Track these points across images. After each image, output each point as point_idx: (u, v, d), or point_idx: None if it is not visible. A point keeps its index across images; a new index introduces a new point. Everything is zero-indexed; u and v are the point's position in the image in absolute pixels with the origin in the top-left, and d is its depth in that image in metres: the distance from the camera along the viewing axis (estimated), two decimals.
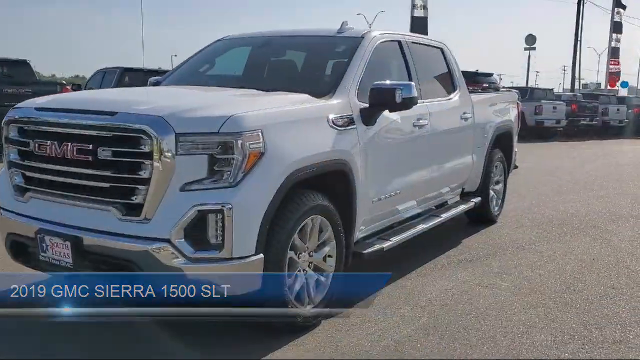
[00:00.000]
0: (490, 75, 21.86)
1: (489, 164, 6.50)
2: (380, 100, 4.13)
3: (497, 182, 7.01)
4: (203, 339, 3.57)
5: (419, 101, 4.91)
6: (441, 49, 5.86)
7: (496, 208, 6.95)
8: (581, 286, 4.71)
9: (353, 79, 4.23)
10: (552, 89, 26.81)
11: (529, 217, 7.26)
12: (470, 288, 4.62)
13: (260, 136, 3.27)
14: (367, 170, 4.18)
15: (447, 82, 5.83)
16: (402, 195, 4.76)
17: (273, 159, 3.32)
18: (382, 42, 4.76)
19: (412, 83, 4.19)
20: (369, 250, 4.32)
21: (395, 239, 4.63)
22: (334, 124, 3.84)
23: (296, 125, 3.58)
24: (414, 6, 26.29)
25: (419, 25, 26.02)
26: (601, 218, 7.36)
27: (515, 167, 7.69)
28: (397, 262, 5.11)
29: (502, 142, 6.98)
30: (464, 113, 5.77)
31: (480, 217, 6.78)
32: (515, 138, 7.38)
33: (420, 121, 4.88)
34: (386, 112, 4.35)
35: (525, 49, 43.29)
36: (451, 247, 5.75)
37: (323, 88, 4.17)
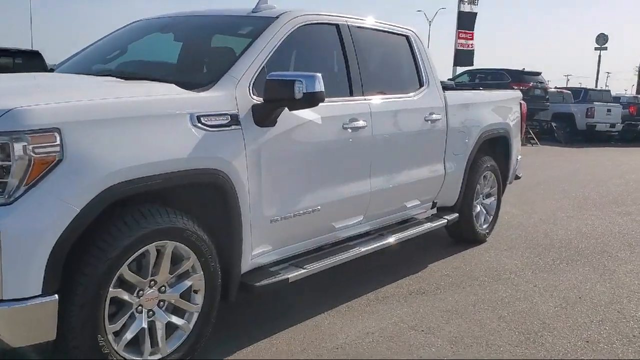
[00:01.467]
0: (538, 74, 20.62)
1: (472, 174, 5.50)
2: (276, 95, 3.27)
3: (488, 195, 5.99)
4: None
5: (360, 99, 4.10)
6: (407, 37, 4.91)
7: (485, 226, 5.93)
8: (547, 338, 3.71)
9: (248, 68, 3.38)
10: (608, 90, 25.02)
11: (528, 237, 6.19)
12: (401, 332, 3.69)
13: (57, 137, 2.46)
14: (262, 182, 3.34)
15: (411, 77, 4.88)
16: (328, 212, 3.88)
17: (78, 167, 2.50)
18: (307, 25, 3.88)
19: (318, 75, 3.29)
20: (266, 281, 3.46)
21: (311, 267, 3.76)
22: (201, 123, 3.00)
23: (128, 124, 2.74)
24: (461, 1, 24.88)
25: (467, 21, 24.62)
26: (617, 242, 6.21)
27: (517, 177, 6.62)
28: (328, 292, 4.25)
29: (494, 149, 5.97)
30: (431, 114, 4.80)
31: (462, 236, 5.80)
32: (516, 144, 6.32)
33: (355, 123, 3.97)
34: (297, 111, 3.50)
35: (596, 48, 41.15)
36: (409, 274, 4.81)
37: (202, 78, 3.37)
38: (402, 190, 4.63)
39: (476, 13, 25.22)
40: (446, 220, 5.19)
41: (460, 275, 4.85)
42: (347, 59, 4.13)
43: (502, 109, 6.01)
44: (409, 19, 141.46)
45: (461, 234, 5.78)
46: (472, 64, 24.40)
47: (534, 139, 18.72)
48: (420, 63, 4.92)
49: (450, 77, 22.77)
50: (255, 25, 3.73)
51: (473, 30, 24.96)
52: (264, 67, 3.47)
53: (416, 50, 4.93)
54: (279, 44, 3.62)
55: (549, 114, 20.78)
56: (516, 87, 20.29)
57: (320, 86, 3.29)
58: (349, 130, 3.94)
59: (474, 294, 4.42)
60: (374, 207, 4.36)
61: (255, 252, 3.45)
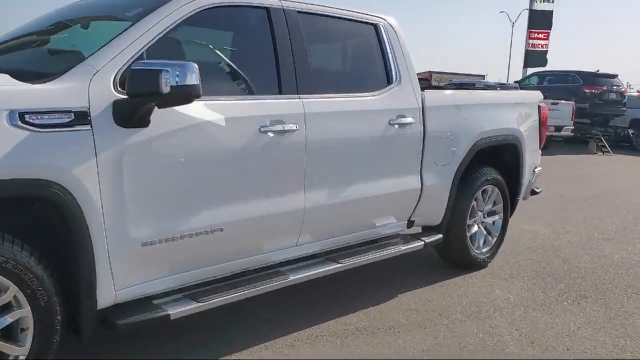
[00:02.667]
0: (614, 76, 18.91)
1: (464, 189, 4.66)
2: (140, 88, 2.63)
3: (491, 213, 5.11)
4: None
5: (292, 97, 3.42)
6: (375, 26, 4.15)
7: (485, 249, 5.05)
8: None
9: (114, 57, 2.76)
10: None
11: (541, 264, 5.24)
12: None
13: None
14: (126, 197, 2.71)
15: (376, 73, 4.12)
16: (238, 233, 3.21)
17: None
18: (217, 7, 3.22)
19: (191, 64, 2.63)
20: (134, 318, 2.82)
21: (210, 300, 3.10)
22: (25, 122, 2.40)
23: None
24: None
25: (540, 19, 23.09)
26: None
27: (535, 192, 5.67)
28: (246, 328, 3.58)
29: (499, 159, 5.09)
30: (399, 117, 4.02)
31: (454, 261, 4.95)
32: (532, 153, 5.39)
33: (279, 126, 3.28)
34: (188, 110, 2.87)
35: None
36: (368, 306, 4.05)
37: (54, 68, 2.76)
38: (358, 206, 3.87)
39: (552, 11, 23.62)
40: (423, 243, 4.38)
41: (430, 311, 4.03)
42: (277, 50, 3.44)
43: (511, 112, 5.11)
44: (492, 20, 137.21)
45: (452, 258, 4.93)
46: (544, 65, 22.90)
47: (605, 147, 17.15)
48: (390, 57, 4.14)
49: (519, 79, 21.36)
50: (145, 6, 3.10)
51: (549, 29, 23.42)
52: (142, 56, 2.85)
53: (386, 42, 4.15)
54: (168, 29, 2.99)
55: (627, 120, 19.07)
56: (587, 91, 18.87)
57: (194, 78, 2.63)
58: (269, 135, 3.25)
59: (433, 337, 3.61)
60: (315, 226, 3.65)
61: (126, 280, 2.83)
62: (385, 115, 3.94)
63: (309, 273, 3.60)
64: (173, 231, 2.92)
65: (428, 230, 4.67)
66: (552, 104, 16.07)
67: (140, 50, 2.85)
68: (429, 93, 4.35)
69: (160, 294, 3.05)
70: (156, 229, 2.85)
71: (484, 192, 4.93)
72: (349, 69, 4.18)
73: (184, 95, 2.64)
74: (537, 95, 5.58)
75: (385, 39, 4.15)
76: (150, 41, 2.90)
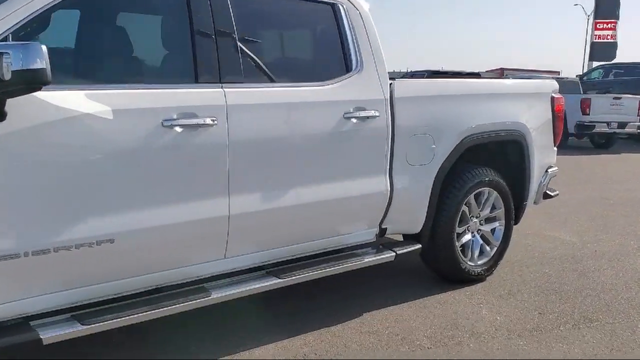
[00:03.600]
0: None
1: (449, 191, 4.06)
2: None
3: (490, 220, 4.47)
4: None
5: (210, 87, 2.98)
6: (332, 6, 3.61)
7: (481, 261, 4.41)
8: None
9: None
10: None
11: (550, 279, 4.55)
12: None
13: None
14: None
15: (332, 59, 3.59)
16: (135, 244, 2.77)
17: None
18: None
19: (37, 45, 2.20)
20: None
21: (90, 324, 2.67)
22: None
23: None
24: None
25: (607, 8, 21.55)
26: None
27: (549, 196, 4.96)
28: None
29: (500, 157, 4.47)
30: (358, 110, 3.47)
31: (443, 274, 4.36)
32: (542, 151, 4.70)
33: (191, 120, 2.83)
34: (59, 99, 2.49)
35: None
36: (320, 327, 3.53)
37: None
38: (303, 213, 3.37)
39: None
40: (394, 254, 3.81)
41: (393, 334, 3.48)
42: (194, 32, 2.98)
43: (514, 104, 4.45)
44: (565, 13, 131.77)
45: (440, 271, 4.34)
46: (612, 58, 21.38)
47: None
48: (349, 41, 3.60)
49: (581, 73, 20.03)
50: None
51: (616, 19, 21.89)
52: (7, 39, 2.46)
53: (345, 25, 3.60)
54: (48, 5, 2.58)
55: None
56: None
57: (41, 61, 2.21)
58: (176, 130, 2.80)
59: None
60: (246, 236, 3.18)
61: None
62: (338, 108, 3.41)
63: (236, 291, 3.12)
64: (43, 243, 2.52)
65: (411, 238, 4.10)
66: (615, 98, 14.90)
67: (3, 33, 2.46)
68: (399, 82, 3.78)
69: (50, 312, 2.67)
70: (21, 240, 2.46)
71: (478, 195, 4.30)
72: (296, 55, 3.69)
73: (28, 81, 2.22)
74: (549, 84, 4.87)
75: (345, 21, 3.61)
76: (21, 22, 2.50)
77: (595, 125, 14.44)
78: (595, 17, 21.43)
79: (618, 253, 5.33)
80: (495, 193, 4.38)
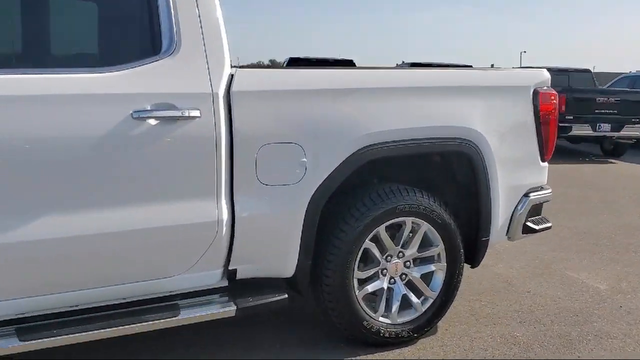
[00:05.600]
0: None
1: (338, 221, 2.95)
2: None
3: (423, 261, 3.26)
4: None
5: None
6: None
7: (402, 318, 3.19)
8: None
9: None
10: None
11: (516, 347, 3.24)
12: None
13: None
14: None
15: (128, 35, 2.65)
16: None
17: None
18: None
19: None
20: None
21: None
22: None
23: None
24: None
25: None
26: None
27: (533, 230, 3.60)
28: None
29: (442, 175, 3.28)
30: (157, 107, 2.47)
31: (343, 335, 3.21)
32: (520, 165, 3.41)
33: None
34: None
35: None
36: None
37: None
38: (69, 249, 2.45)
39: None
40: (234, 308, 2.76)
41: None
42: None
43: (461, 101, 3.21)
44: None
45: (339, 332, 3.20)
46: None
47: None
48: (161, 11, 2.62)
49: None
50: None
51: None
52: None
53: None
54: None
55: None
56: None
57: None
58: None
59: None
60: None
61: None
62: (121, 104, 2.46)
63: None
64: None
65: (287, 284, 3.04)
66: None
67: None
68: (245, 72, 2.74)
69: None
70: None
71: (394, 227, 3.12)
72: (70, 31, 2.75)
73: None
74: (530, 75, 3.51)
75: None
76: None
77: None
78: None
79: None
80: (425, 224, 3.17)
